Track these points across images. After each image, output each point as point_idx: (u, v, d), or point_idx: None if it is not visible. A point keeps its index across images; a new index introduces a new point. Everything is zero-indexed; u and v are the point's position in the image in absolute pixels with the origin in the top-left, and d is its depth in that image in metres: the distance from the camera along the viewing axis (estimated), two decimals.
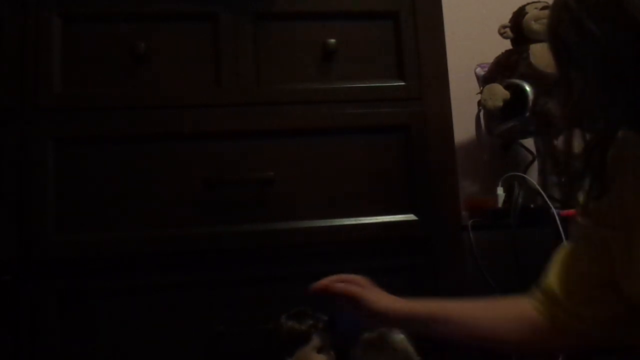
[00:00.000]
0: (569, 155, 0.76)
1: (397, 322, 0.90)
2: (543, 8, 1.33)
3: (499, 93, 1.27)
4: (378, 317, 0.86)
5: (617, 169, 0.73)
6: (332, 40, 1.11)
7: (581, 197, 0.78)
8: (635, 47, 0.60)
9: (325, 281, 0.88)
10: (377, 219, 1.08)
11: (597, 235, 0.79)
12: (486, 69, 1.42)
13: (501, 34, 1.38)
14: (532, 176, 1.37)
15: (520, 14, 1.38)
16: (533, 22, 1.33)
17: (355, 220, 1.08)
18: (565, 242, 0.88)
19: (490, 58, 1.41)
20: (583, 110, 0.71)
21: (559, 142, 1.36)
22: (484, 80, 1.40)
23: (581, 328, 0.82)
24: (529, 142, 1.48)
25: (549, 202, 1.17)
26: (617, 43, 0.61)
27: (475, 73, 1.47)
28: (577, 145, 0.79)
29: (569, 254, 0.85)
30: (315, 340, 0.93)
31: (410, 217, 1.09)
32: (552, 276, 0.85)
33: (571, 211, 1.08)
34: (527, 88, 1.24)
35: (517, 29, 1.36)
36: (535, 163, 1.44)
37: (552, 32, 0.72)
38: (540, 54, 1.27)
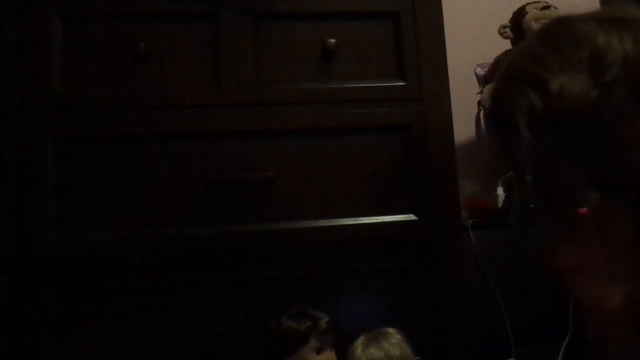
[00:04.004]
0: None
1: None
2: (543, 8, 1.33)
3: None
4: None
5: None
6: (332, 40, 1.11)
7: None
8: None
9: None
10: (377, 219, 1.08)
11: None
12: (486, 69, 1.42)
13: (501, 34, 1.38)
14: None
15: (520, 14, 1.38)
16: (533, 22, 1.33)
17: (355, 220, 1.07)
18: None
19: (490, 58, 1.41)
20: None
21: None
22: (484, 80, 1.40)
23: None
24: None
25: None
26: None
27: (475, 73, 1.47)
28: None
29: None
30: (313, 342, 0.93)
31: (410, 217, 1.09)
32: None
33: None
34: None
35: (517, 29, 1.36)
36: None
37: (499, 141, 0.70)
38: None
